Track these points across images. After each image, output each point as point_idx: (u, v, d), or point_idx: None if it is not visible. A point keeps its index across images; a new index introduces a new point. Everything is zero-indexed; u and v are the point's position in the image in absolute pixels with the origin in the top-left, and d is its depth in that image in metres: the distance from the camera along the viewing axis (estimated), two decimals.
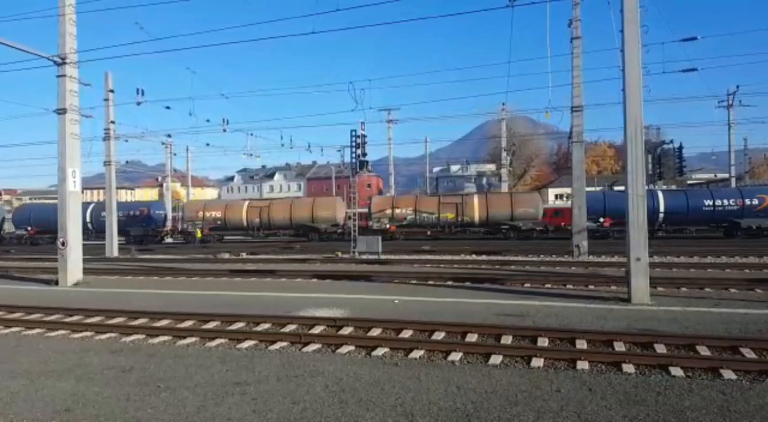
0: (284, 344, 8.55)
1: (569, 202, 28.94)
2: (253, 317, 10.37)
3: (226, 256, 27.43)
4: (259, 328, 9.73)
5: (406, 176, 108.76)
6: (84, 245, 18.18)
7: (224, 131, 35.06)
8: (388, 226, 37.48)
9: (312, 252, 28.06)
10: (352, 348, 8.21)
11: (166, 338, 9.21)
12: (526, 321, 9.82)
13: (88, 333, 9.74)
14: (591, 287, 13.96)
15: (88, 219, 41.23)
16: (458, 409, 5.61)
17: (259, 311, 11.00)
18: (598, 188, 46.61)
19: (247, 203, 43.72)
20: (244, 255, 27.40)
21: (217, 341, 8.86)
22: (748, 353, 7.42)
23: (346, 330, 9.30)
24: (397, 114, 48.08)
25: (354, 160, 26.80)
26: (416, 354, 7.78)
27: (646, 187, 12.90)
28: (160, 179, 63.90)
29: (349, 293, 13.56)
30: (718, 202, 33.11)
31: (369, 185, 78.62)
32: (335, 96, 36.40)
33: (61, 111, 16.87)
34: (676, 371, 6.69)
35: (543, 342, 8.26)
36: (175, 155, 51.50)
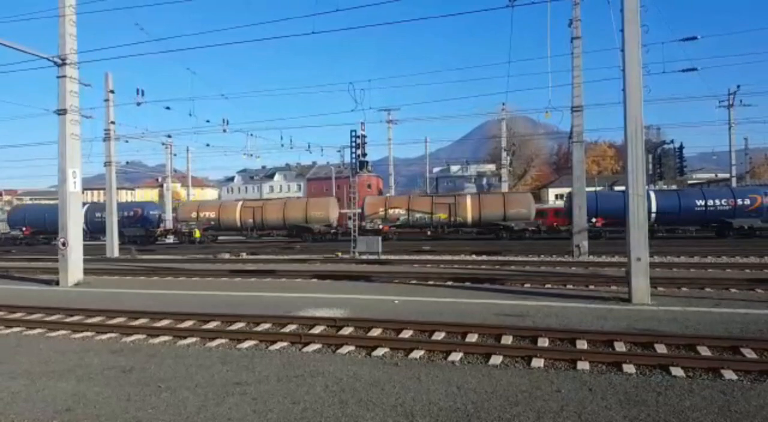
0: (284, 344, 8.55)
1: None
2: (253, 317, 10.37)
3: (226, 256, 27.44)
4: (260, 328, 9.73)
5: (406, 177, 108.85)
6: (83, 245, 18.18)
7: (224, 131, 35.16)
8: (381, 226, 37.50)
9: (312, 252, 28.07)
10: (352, 348, 8.21)
11: (166, 338, 9.21)
12: (527, 321, 9.82)
13: (88, 333, 9.75)
14: (591, 287, 13.95)
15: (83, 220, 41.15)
16: (458, 409, 5.61)
17: (259, 311, 11.01)
18: (599, 188, 46.62)
19: (240, 203, 43.75)
20: (244, 255, 27.41)
21: (218, 341, 8.86)
22: (749, 353, 7.41)
23: (347, 330, 9.30)
24: (397, 114, 48.11)
25: (354, 160, 26.79)
26: (416, 354, 7.78)
27: (647, 187, 12.90)
28: (160, 179, 63.84)
29: (349, 294, 13.56)
30: (710, 202, 33.18)
31: (369, 186, 78.61)
32: (335, 96, 36.46)
33: (62, 112, 16.89)
34: (677, 371, 6.69)
35: (543, 342, 8.25)
36: (175, 155, 51.47)
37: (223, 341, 8.86)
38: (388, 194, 49.41)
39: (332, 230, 40.34)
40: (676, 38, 23.24)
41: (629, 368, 6.87)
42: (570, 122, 22.82)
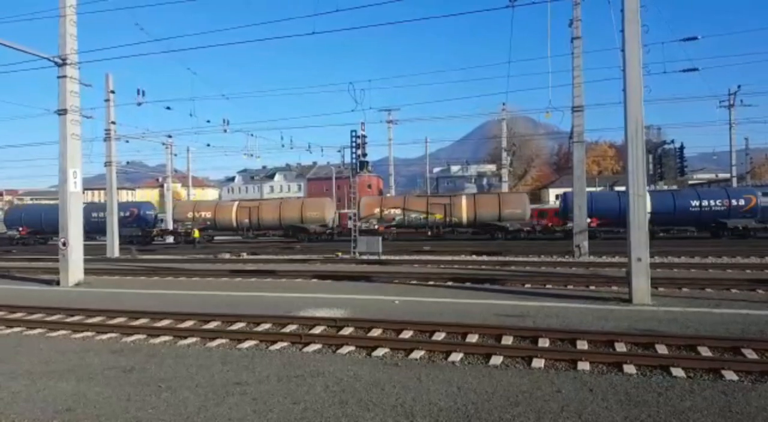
0: (285, 344, 8.55)
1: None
2: (253, 317, 10.37)
3: (227, 256, 27.45)
4: (260, 328, 9.73)
5: (406, 177, 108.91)
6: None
7: (225, 131, 35.25)
8: (376, 226, 37.49)
9: (312, 253, 28.07)
10: (352, 348, 8.21)
11: (166, 338, 9.21)
12: (527, 322, 9.82)
13: (89, 333, 9.76)
14: (592, 287, 13.94)
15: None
16: (459, 410, 5.61)
17: (259, 311, 11.01)
18: (599, 188, 46.60)
19: (236, 203, 43.73)
20: (244, 255, 27.42)
21: (218, 341, 8.86)
22: (750, 353, 7.41)
23: (347, 331, 9.29)
24: (398, 114, 48.23)
25: (354, 160, 26.79)
26: (417, 354, 7.78)
27: (647, 187, 12.89)
28: (160, 179, 63.92)
29: (350, 294, 13.56)
30: (705, 203, 33.14)
31: (369, 186, 78.71)
32: (336, 96, 36.55)
33: (62, 112, 16.89)
34: (678, 372, 6.69)
35: (544, 342, 8.25)
36: (175, 155, 51.47)
37: (223, 341, 8.87)
38: (388, 194, 49.46)
39: (328, 231, 40.36)
40: (677, 38, 23.26)
41: (630, 368, 6.86)
42: (570, 122, 22.85)
